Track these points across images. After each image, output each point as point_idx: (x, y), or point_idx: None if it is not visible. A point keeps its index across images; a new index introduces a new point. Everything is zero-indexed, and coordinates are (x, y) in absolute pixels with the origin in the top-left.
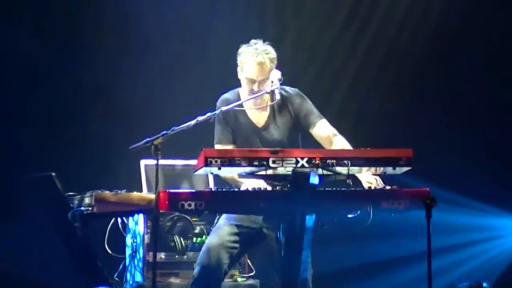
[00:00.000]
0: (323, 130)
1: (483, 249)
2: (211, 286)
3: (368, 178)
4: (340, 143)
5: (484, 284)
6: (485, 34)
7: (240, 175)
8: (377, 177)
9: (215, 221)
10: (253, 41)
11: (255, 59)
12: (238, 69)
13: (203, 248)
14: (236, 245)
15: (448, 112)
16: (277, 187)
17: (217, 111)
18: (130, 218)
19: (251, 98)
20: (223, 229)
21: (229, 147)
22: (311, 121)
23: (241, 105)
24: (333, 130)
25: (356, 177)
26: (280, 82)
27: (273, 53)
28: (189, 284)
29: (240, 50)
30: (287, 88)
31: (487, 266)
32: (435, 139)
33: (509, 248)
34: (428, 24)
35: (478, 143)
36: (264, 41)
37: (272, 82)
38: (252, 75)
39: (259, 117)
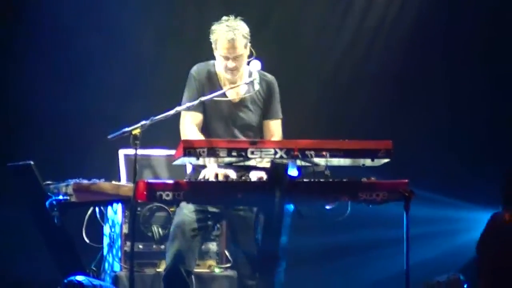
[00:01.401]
0: (269, 128)
1: (448, 241)
2: (184, 276)
3: None
4: None
5: (461, 277)
6: (472, 31)
7: (219, 166)
8: None
9: (175, 206)
10: (224, 17)
11: (227, 36)
12: (213, 46)
13: (170, 239)
14: (203, 231)
15: (429, 106)
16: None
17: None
18: (109, 207)
19: (230, 88)
20: (187, 216)
21: (198, 116)
22: (268, 115)
23: (217, 81)
24: (276, 133)
25: None
26: (256, 77)
27: (245, 29)
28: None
29: (212, 28)
30: (265, 73)
31: (454, 257)
32: (413, 132)
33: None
34: (416, 17)
35: (453, 139)
36: (235, 17)
37: (251, 72)
38: (225, 52)
39: (234, 93)
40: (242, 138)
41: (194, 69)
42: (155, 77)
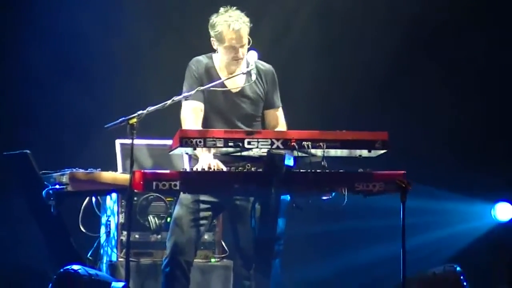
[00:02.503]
0: (272, 117)
1: (441, 232)
2: (183, 266)
3: None
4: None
5: (458, 268)
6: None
7: (215, 156)
8: None
9: (175, 197)
10: (222, 9)
11: (233, 27)
12: (213, 40)
13: (170, 229)
14: (202, 221)
15: (424, 97)
16: (232, 168)
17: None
18: (108, 197)
19: (228, 78)
20: (187, 207)
21: (198, 104)
22: (269, 104)
23: (216, 73)
24: (280, 122)
25: None
26: (253, 67)
27: (246, 17)
28: (162, 265)
29: (213, 22)
30: (263, 62)
31: (448, 247)
32: (409, 124)
33: (461, 233)
34: (407, 10)
35: (449, 131)
36: (231, 7)
37: (248, 63)
38: (233, 42)
39: (233, 83)
40: (245, 128)
41: (193, 62)
42: (153, 66)
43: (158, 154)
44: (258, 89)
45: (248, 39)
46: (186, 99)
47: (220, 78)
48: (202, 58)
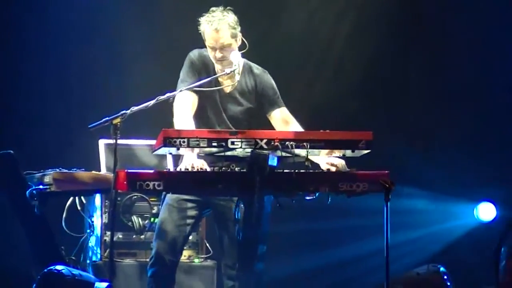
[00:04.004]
0: (281, 116)
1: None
2: (169, 266)
3: (330, 160)
4: (295, 130)
5: (442, 269)
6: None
7: (199, 156)
8: (342, 160)
9: (162, 196)
10: (212, 9)
11: (211, 27)
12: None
13: (156, 229)
14: (189, 221)
15: (408, 99)
16: (215, 168)
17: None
18: (97, 196)
19: (216, 77)
20: (173, 207)
21: (193, 95)
22: (272, 105)
23: (214, 69)
24: (291, 118)
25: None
26: (236, 67)
27: (230, 18)
28: (147, 265)
29: (199, 20)
30: (259, 66)
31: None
32: (390, 125)
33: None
34: (390, 8)
35: (429, 132)
36: (225, 7)
37: (232, 63)
38: (212, 42)
39: (227, 83)
40: (232, 128)
41: (194, 52)
42: (137, 66)
43: (126, 154)
44: (250, 93)
45: (244, 42)
46: (181, 86)
47: (216, 73)
48: (204, 51)
